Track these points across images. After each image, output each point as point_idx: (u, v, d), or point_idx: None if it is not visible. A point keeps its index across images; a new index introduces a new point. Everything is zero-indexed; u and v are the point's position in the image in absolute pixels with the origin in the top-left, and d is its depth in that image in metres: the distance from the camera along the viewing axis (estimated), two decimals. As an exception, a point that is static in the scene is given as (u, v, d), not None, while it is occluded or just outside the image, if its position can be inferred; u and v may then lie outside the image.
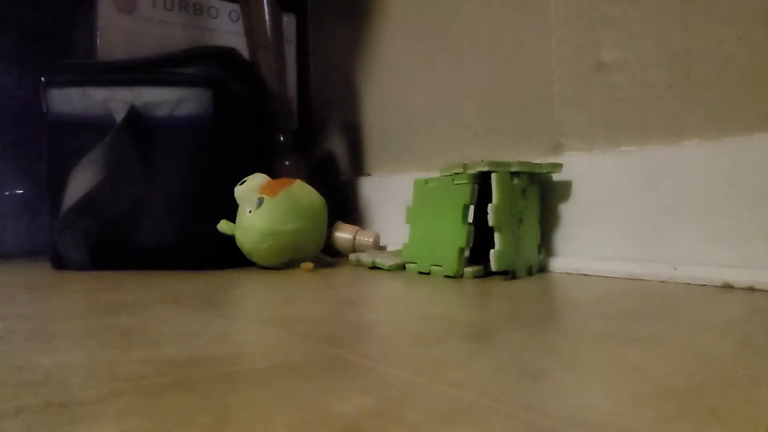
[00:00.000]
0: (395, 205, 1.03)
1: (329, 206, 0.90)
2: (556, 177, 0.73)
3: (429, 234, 0.72)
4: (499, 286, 0.60)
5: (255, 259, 0.81)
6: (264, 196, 0.80)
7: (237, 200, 0.83)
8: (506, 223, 0.65)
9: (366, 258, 0.81)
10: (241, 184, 0.83)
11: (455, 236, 0.68)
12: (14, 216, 1.22)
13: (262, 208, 0.79)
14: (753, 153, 0.55)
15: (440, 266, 0.69)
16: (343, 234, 0.96)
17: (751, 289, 0.53)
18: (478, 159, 0.87)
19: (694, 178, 0.60)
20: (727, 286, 0.55)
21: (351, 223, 1.12)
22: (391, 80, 1.06)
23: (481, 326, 0.39)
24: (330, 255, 0.93)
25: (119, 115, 0.84)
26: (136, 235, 0.85)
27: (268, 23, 1.03)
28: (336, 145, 1.23)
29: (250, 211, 0.80)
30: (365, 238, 0.95)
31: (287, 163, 1.02)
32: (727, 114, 0.59)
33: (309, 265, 0.80)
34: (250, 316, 0.45)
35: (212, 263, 0.85)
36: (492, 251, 0.64)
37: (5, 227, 1.21)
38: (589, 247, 0.69)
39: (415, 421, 0.22)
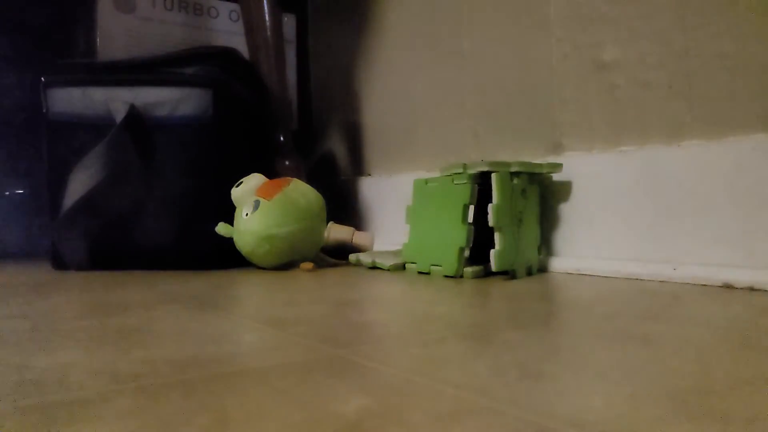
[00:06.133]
0: (395, 205, 1.03)
1: (329, 206, 0.90)
2: (556, 177, 0.73)
3: (429, 234, 0.72)
4: (499, 286, 0.60)
5: (254, 261, 0.81)
6: (260, 199, 0.80)
7: (234, 202, 0.83)
8: (506, 223, 0.65)
9: (366, 258, 0.81)
10: (237, 185, 0.83)
11: (455, 236, 0.68)
12: (14, 216, 1.22)
13: (258, 212, 0.79)
14: (753, 153, 0.55)
15: (440, 266, 0.69)
16: (338, 235, 0.95)
17: (751, 289, 0.53)
18: (478, 159, 0.87)
19: (694, 178, 0.60)
20: (727, 286, 0.55)
21: (348, 224, 1.12)
22: (391, 80, 1.06)
23: (481, 326, 0.39)
24: (327, 255, 0.93)
25: (119, 115, 0.84)
26: (136, 235, 0.85)
27: (268, 23, 1.03)
28: (336, 145, 1.23)
29: (246, 214, 0.80)
30: (360, 240, 0.94)
31: (287, 163, 1.02)
32: (727, 114, 0.59)
33: (308, 265, 0.80)
34: (250, 316, 0.45)
35: (212, 263, 0.85)
36: (492, 251, 0.64)
37: (5, 227, 1.21)
38: (589, 247, 0.69)
39: (415, 421, 0.22)
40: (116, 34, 1.04)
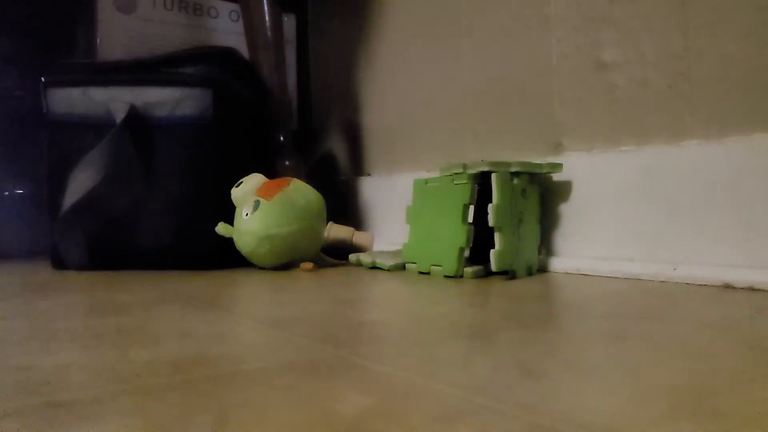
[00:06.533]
0: (395, 205, 1.03)
1: (329, 206, 0.90)
2: (556, 177, 0.73)
3: (429, 234, 0.72)
4: (499, 286, 0.60)
5: (254, 261, 0.81)
6: (260, 199, 0.80)
7: (234, 202, 0.83)
8: (506, 223, 0.65)
9: (366, 258, 0.81)
10: (237, 185, 0.83)
11: (455, 236, 0.68)
12: (14, 216, 1.22)
13: (259, 212, 0.79)
14: (753, 153, 0.55)
15: (440, 266, 0.69)
16: (338, 235, 0.96)
17: (751, 289, 0.53)
18: (478, 159, 0.87)
19: (694, 178, 0.60)
20: (727, 286, 0.55)
21: (348, 224, 1.12)
22: (391, 80, 1.06)
23: (481, 326, 0.39)
24: (327, 255, 0.93)
25: (119, 115, 0.84)
26: (135, 235, 0.85)
27: (268, 23, 1.03)
28: (336, 145, 1.23)
29: (246, 214, 0.80)
30: (360, 240, 0.94)
31: (287, 163, 1.02)
32: (727, 114, 0.59)
33: (308, 265, 0.80)
34: (250, 316, 0.45)
35: (212, 263, 0.85)
36: (492, 251, 0.64)
37: (5, 227, 1.21)
38: (589, 247, 0.69)
39: (415, 421, 0.22)
40: (116, 34, 1.04)
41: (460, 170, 0.69)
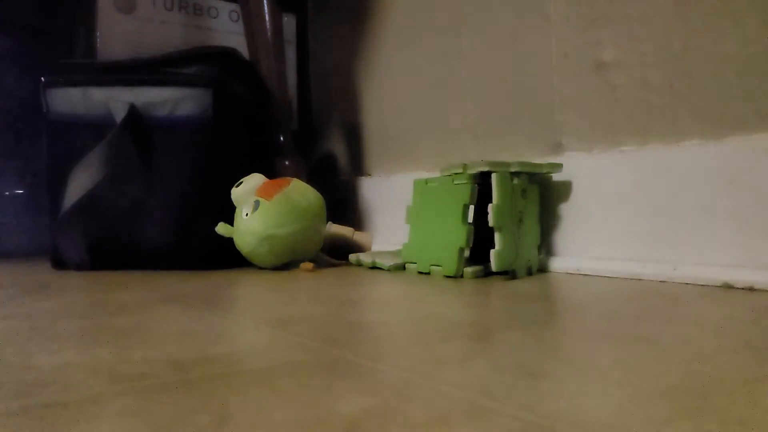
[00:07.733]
0: (395, 205, 1.03)
1: (329, 206, 0.89)
2: (556, 177, 0.73)
3: (429, 234, 0.72)
4: (499, 286, 0.60)
5: (254, 261, 0.81)
6: (260, 199, 0.80)
7: (234, 202, 0.83)
8: (506, 223, 0.65)
9: (366, 258, 0.81)
10: (237, 185, 0.83)
11: (455, 236, 0.68)
12: (14, 216, 1.22)
13: (259, 212, 0.79)
14: (753, 153, 0.55)
15: (440, 266, 0.69)
16: (337, 235, 0.96)
17: (751, 289, 0.53)
18: (478, 159, 0.87)
19: (694, 178, 0.60)
20: (727, 286, 0.55)
21: (348, 224, 1.12)
22: (391, 81, 1.06)
23: (481, 326, 0.39)
24: (327, 255, 0.93)
25: (119, 115, 0.84)
26: (135, 235, 0.85)
27: (268, 23, 1.03)
28: (336, 145, 1.23)
29: (246, 214, 0.80)
30: (360, 239, 0.95)
31: (287, 163, 1.02)
32: (727, 114, 0.59)
33: (309, 265, 0.80)
34: (250, 316, 0.45)
35: (212, 263, 0.85)
36: (492, 251, 0.64)
37: (5, 227, 1.21)
38: (589, 247, 0.69)
39: (415, 421, 0.22)
40: (116, 34, 1.04)
41: (460, 170, 0.69)
